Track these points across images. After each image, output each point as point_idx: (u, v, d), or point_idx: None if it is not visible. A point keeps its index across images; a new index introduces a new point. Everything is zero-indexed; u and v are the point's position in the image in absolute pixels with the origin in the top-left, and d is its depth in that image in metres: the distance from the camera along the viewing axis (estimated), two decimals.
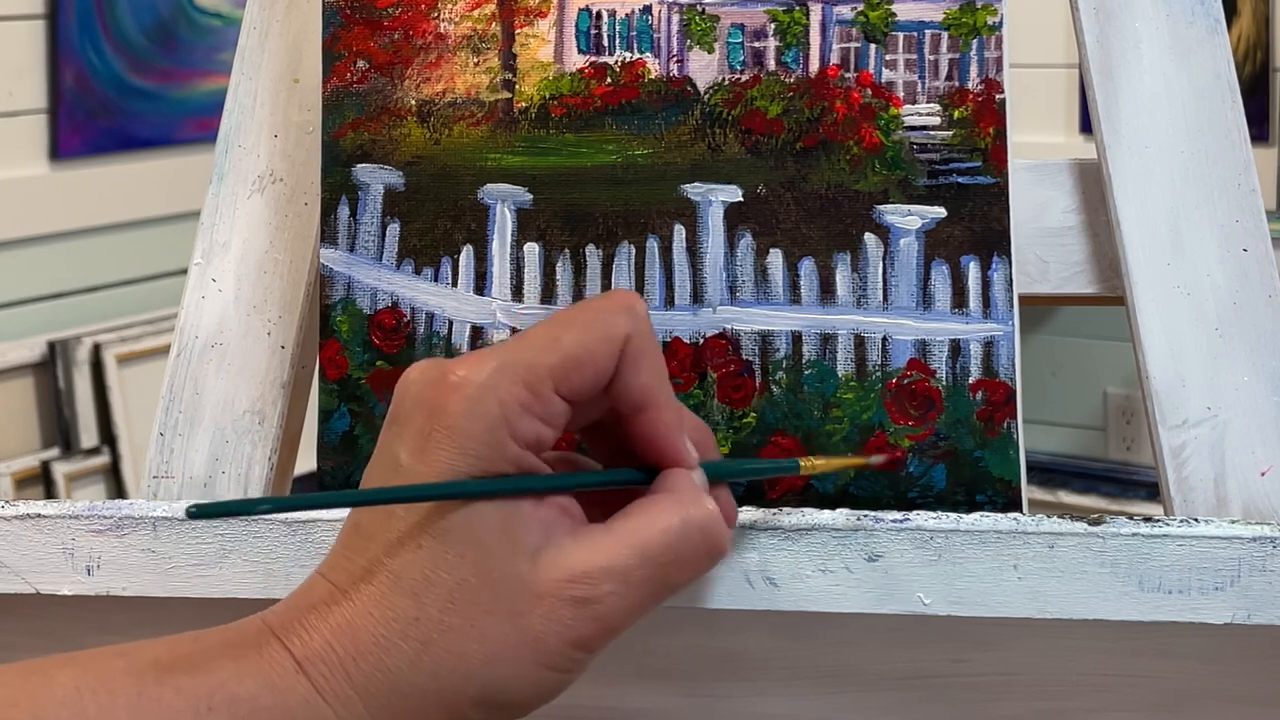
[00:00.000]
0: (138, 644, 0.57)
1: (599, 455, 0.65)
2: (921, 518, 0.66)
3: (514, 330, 0.74)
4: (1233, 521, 0.65)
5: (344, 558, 0.58)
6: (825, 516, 0.66)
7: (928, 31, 0.73)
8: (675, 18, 0.75)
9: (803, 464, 0.67)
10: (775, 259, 0.72)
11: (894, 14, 0.73)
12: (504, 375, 0.57)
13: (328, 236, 0.75)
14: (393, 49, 0.76)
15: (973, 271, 0.71)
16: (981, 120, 0.72)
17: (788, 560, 0.66)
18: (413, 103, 0.75)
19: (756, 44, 0.74)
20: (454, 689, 0.56)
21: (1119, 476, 3.11)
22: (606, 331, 0.59)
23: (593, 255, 0.73)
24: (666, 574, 0.59)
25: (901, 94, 0.72)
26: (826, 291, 0.72)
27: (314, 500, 0.61)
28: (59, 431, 2.71)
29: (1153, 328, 0.72)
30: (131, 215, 2.82)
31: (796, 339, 0.72)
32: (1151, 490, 2.92)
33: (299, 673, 0.55)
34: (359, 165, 0.75)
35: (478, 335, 0.74)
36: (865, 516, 0.66)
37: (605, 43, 0.75)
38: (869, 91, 0.73)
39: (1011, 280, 0.71)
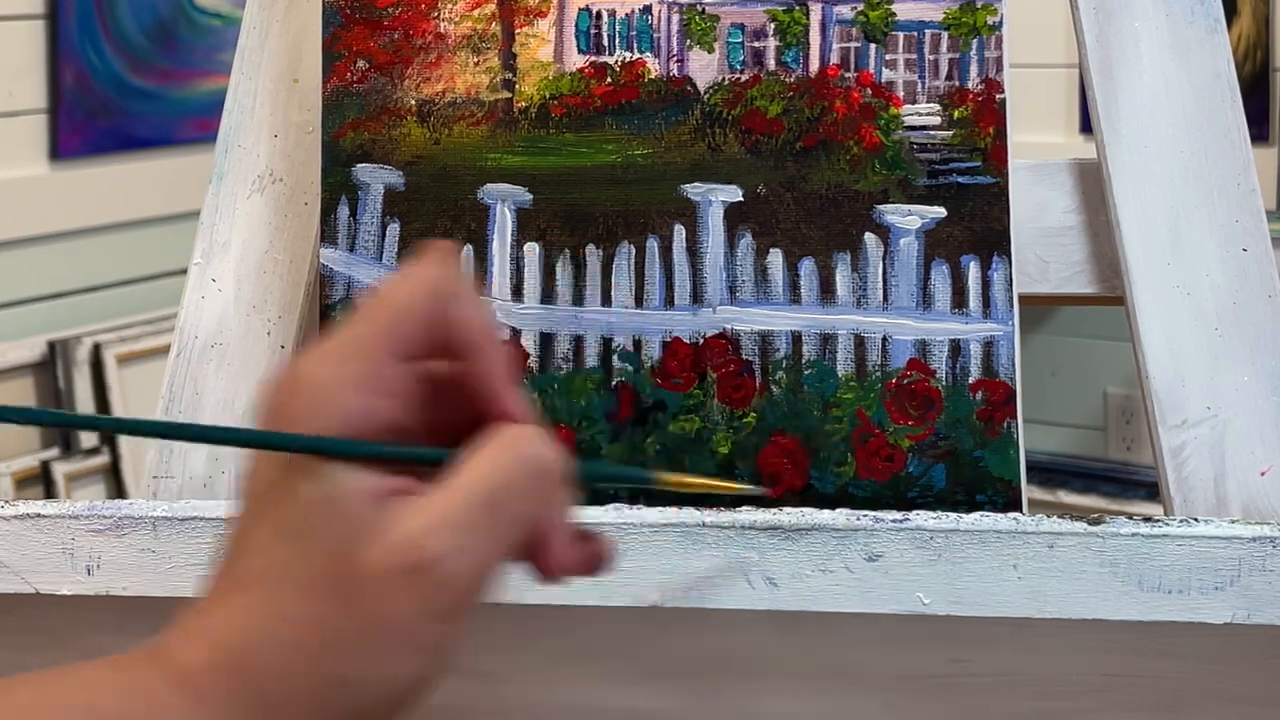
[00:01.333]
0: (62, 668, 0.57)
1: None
2: (921, 518, 0.65)
3: (514, 330, 0.74)
4: (1232, 521, 0.65)
5: (219, 570, 0.58)
6: (825, 516, 0.66)
7: (928, 31, 0.73)
8: (675, 17, 0.74)
9: (661, 478, 0.66)
10: (775, 259, 0.72)
11: (894, 14, 0.73)
12: (335, 359, 0.58)
13: (328, 236, 0.75)
14: (393, 49, 0.76)
15: (973, 271, 0.71)
16: (981, 120, 0.72)
17: (788, 560, 0.66)
18: (413, 103, 0.75)
19: (756, 44, 0.74)
20: (320, 689, 0.55)
21: (1119, 476, 3.10)
22: (419, 278, 0.59)
23: (593, 255, 0.73)
24: (504, 510, 0.56)
25: (901, 94, 0.72)
26: (826, 291, 0.72)
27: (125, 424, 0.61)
28: (59, 431, 2.71)
29: (1153, 328, 0.71)
30: (131, 215, 2.82)
31: (796, 339, 0.72)
32: (1151, 490, 2.92)
33: (172, 684, 0.55)
34: (359, 165, 0.75)
35: None
36: (865, 516, 0.66)
37: (605, 42, 0.75)
38: (869, 91, 0.73)
39: (1011, 280, 0.71)
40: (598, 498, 0.71)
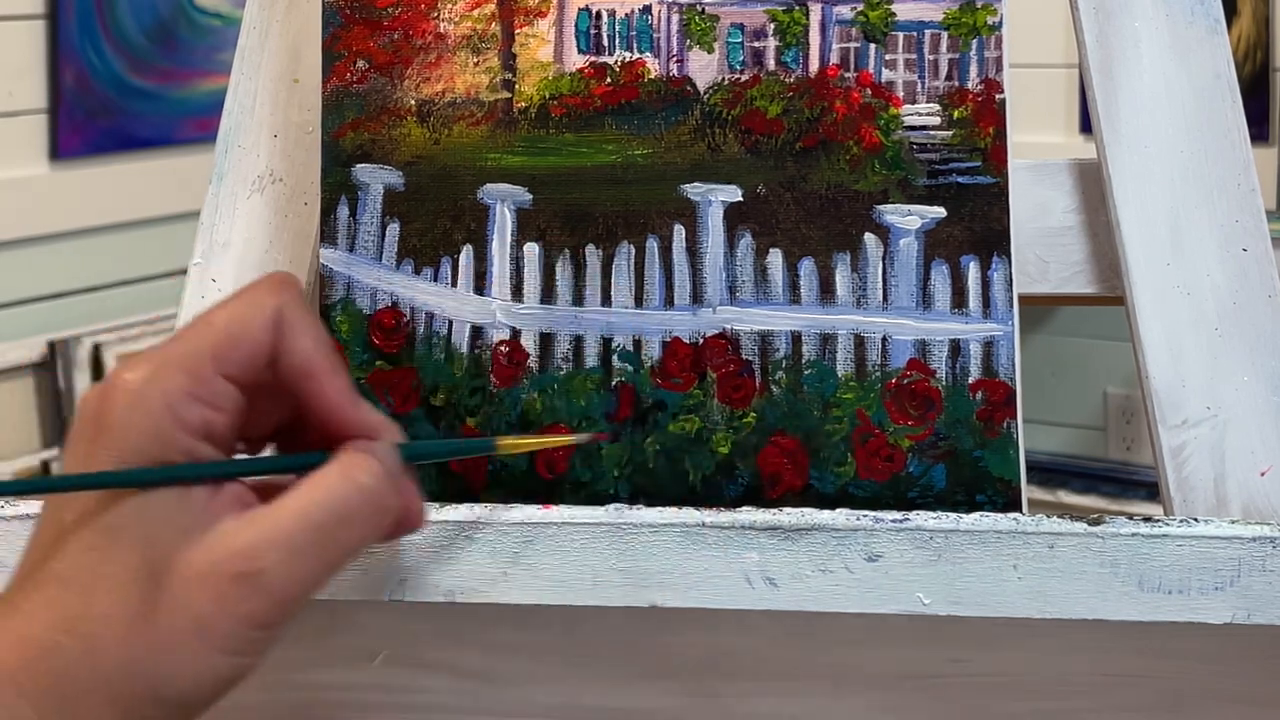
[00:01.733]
0: None
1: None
2: (921, 518, 0.65)
3: (514, 330, 0.74)
4: (1232, 521, 0.65)
5: (19, 573, 0.58)
6: (825, 516, 0.66)
7: (927, 31, 0.73)
8: (675, 17, 0.75)
9: (499, 443, 0.68)
10: (775, 259, 0.72)
11: (894, 14, 0.73)
12: (162, 368, 0.58)
13: (327, 236, 0.75)
14: (393, 49, 0.76)
15: (972, 271, 0.71)
16: (981, 120, 0.72)
17: (788, 560, 0.66)
18: (412, 103, 0.75)
19: (756, 44, 0.74)
20: (123, 685, 0.56)
21: (1119, 476, 3.10)
22: (255, 303, 0.60)
23: (592, 255, 0.73)
24: (334, 536, 0.58)
25: (901, 94, 0.72)
26: (826, 291, 0.72)
27: None
28: (59, 431, 2.71)
29: (1153, 328, 0.72)
30: (131, 215, 2.82)
31: (796, 339, 0.72)
32: (1151, 490, 2.92)
33: None
34: (359, 165, 0.75)
35: (477, 335, 0.74)
36: (865, 516, 0.66)
37: (605, 43, 0.75)
38: (869, 91, 0.73)
39: (1011, 280, 0.71)
40: (597, 498, 0.71)
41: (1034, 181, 0.75)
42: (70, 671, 0.55)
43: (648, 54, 0.74)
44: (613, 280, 0.73)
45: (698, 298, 0.72)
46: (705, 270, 0.72)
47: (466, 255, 0.74)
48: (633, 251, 0.73)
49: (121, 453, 0.57)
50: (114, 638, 0.56)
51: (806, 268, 0.72)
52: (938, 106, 0.72)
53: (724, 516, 0.66)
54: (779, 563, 0.66)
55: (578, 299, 0.73)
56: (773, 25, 0.74)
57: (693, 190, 0.73)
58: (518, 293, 0.74)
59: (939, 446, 0.70)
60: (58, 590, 0.56)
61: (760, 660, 0.70)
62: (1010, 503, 0.69)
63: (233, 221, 0.79)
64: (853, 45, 0.73)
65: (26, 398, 2.70)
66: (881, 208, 0.72)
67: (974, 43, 0.72)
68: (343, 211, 0.75)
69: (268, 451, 0.65)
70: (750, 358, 0.72)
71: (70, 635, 0.56)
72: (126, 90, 2.77)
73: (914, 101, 0.72)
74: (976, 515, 0.66)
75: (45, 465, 2.67)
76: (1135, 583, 0.64)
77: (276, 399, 0.62)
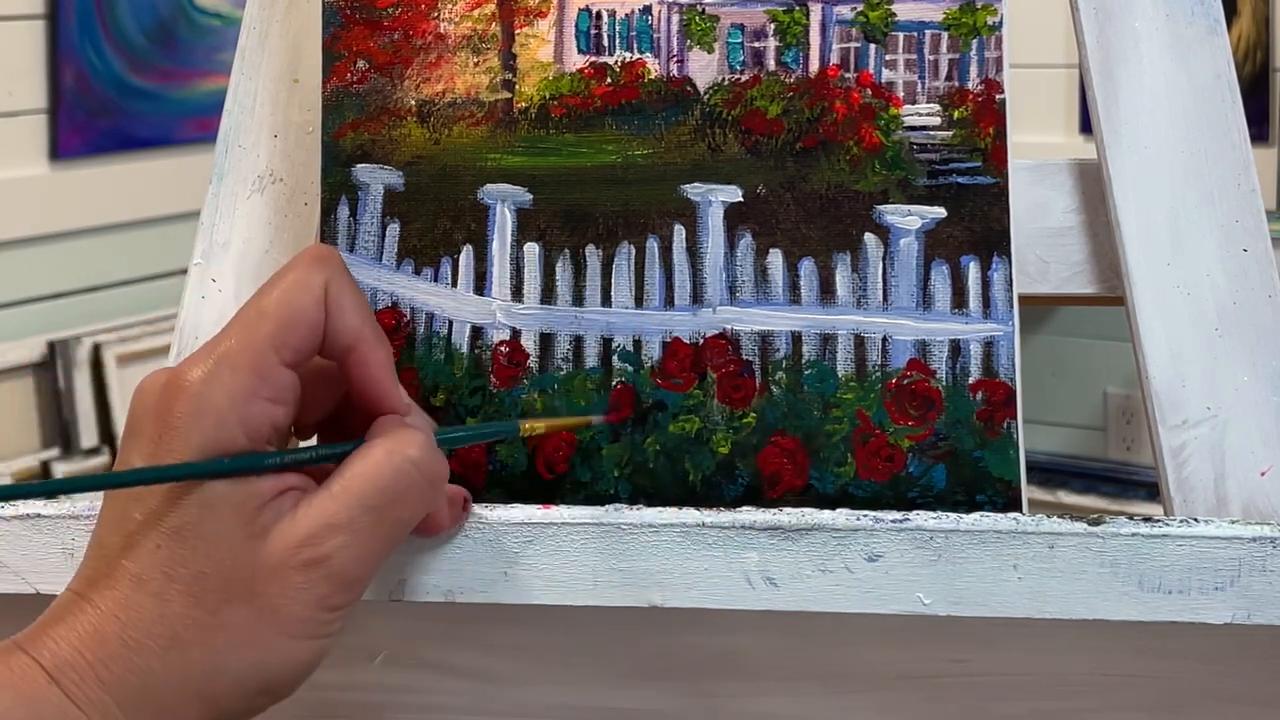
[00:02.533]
0: None
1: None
2: (921, 518, 0.66)
3: (514, 330, 0.74)
4: (1233, 521, 0.65)
5: (88, 569, 0.60)
6: (825, 516, 0.66)
7: (928, 31, 0.73)
8: (675, 18, 0.75)
9: (523, 425, 0.69)
10: (775, 259, 0.72)
11: (894, 14, 0.73)
12: (225, 366, 0.59)
13: (327, 236, 0.75)
14: (393, 49, 0.76)
15: (973, 272, 0.71)
16: (981, 120, 0.72)
17: (788, 560, 0.66)
18: (413, 103, 0.75)
19: (756, 44, 0.74)
20: (207, 680, 0.58)
21: (1119, 476, 3.10)
22: (305, 284, 0.61)
23: (592, 255, 0.73)
24: (391, 513, 0.61)
25: (901, 94, 0.72)
26: (826, 292, 0.72)
27: (40, 488, 0.62)
28: (59, 431, 2.71)
29: (1153, 328, 0.72)
30: (131, 215, 2.82)
31: (796, 339, 0.72)
32: (1151, 490, 2.92)
33: (50, 682, 0.56)
34: (359, 165, 0.75)
35: (478, 335, 0.74)
36: (865, 516, 0.66)
37: (605, 43, 0.75)
38: (869, 91, 0.73)
39: (1011, 280, 0.71)
40: (597, 498, 0.71)
41: (1034, 181, 0.75)
42: (154, 669, 0.57)
43: (648, 54, 0.74)
44: (613, 280, 0.73)
45: (698, 298, 0.72)
46: (705, 270, 0.72)
47: (466, 255, 0.74)
48: (633, 252, 0.73)
49: (185, 455, 0.58)
50: (194, 636, 0.57)
51: (806, 268, 0.72)
52: (938, 107, 0.72)
53: (724, 516, 0.66)
54: (779, 563, 0.66)
55: (578, 299, 0.73)
56: (773, 25, 0.74)
57: (693, 190, 0.73)
58: (518, 293, 0.74)
59: (939, 447, 0.70)
60: (133, 590, 0.58)
61: (760, 660, 0.70)
62: (1010, 503, 0.69)
63: (233, 221, 0.79)
64: (853, 45, 0.73)
65: (26, 398, 2.70)
66: (881, 208, 0.72)
67: (974, 43, 0.72)
68: (343, 211, 0.75)
69: (313, 440, 0.66)
70: (750, 358, 0.72)
71: (151, 636, 0.57)
72: (126, 90, 2.77)
73: (914, 102, 0.72)
74: (976, 515, 0.66)
75: (45, 465, 2.67)
76: (1135, 583, 0.64)
77: (327, 385, 0.63)
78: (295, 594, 0.58)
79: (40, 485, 0.62)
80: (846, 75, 0.73)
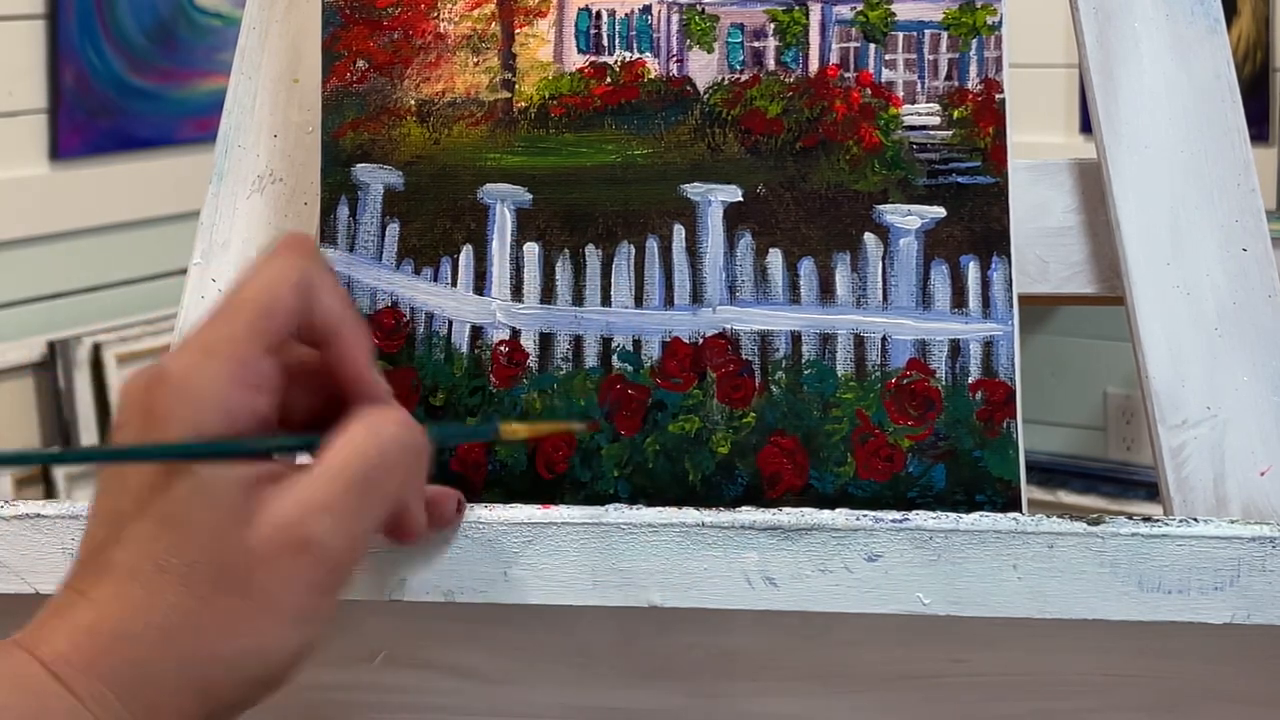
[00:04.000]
0: None
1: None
2: (921, 518, 0.65)
3: (514, 330, 0.74)
4: (1232, 521, 0.65)
5: (81, 564, 0.60)
6: (825, 516, 0.66)
7: (927, 31, 0.73)
8: (675, 17, 0.75)
9: (503, 428, 0.68)
10: (775, 259, 0.72)
11: (894, 14, 0.73)
12: (205, 355, 0.59)
13: (327, 236, 0.75)
14: (392, 49, 0.76)
15: (972, 271, 0.71)
16: (981, 120, 0.72)
17: (788, 560, 0.66)
18: (412, 102, 0.75)
19: (756, 44, 0.74)
20: (202, 670, 0.58)
21: (1119, 476, 3.10)
22: (280, 269, 0.61)
23: (592, 255, 0.73)
24: (376, 487, 0.60)
25: (901, 94, 0.72)
26: (826, 291, 0.72)
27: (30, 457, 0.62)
28: (59, 431, 2.71)
29: (1153, 328, 0.72)
30: (131, 215, 2.82)
31: (796, 339, 0.72)
32: (1151, 490, 2.92)
33: (50, 676, 0.57)
34: (359, 165, 0.75)
35: (477, 335, 0.74)
36: (865, 516, 0.66)
37: (605, 42, 0.75)
38: (869, 91, 0.73)
39: (1011, 280, 0.71)
40: (597, 498, 0.71)
41: (1034, 181, 0.75)
42: (149, 659, 0.57)
43: (648, 54, 0.74)
44: (612, 280, 0.73)
45: (697, 298, 0.72)
46: (705, 270, 0.72)
47: (466, 255, 0.74)
48: (633, 251, 0.73)
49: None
50: (187, 625, 0.57)
51: (806, 268, 0.72)
52: (938, 106, 0.72)
53: (724, 516, 0.66)
54: (779, 563, 0.66)
55: (577, 299, 0.73)
56: (773, 25, 0.74)
57: (693, 190, 0.73)
58: (517, 293, 0.74)
59: (939, 446, 0.70)
60: (126, 581, 0.58)
61: (760, 660, 0.70)
62: (1010, 503, 0.69)
63: (232, 221, 0.79)
64: (853, 45, 0.73)
65: (26, 398, 2.70)
66: (881, 207, 0.72)
67: (974, 43, 0.72)
68: (343, 211, 0.75)
69: None
70: (750, 358, 0.72)
71: (146, 626, 0.57)
72: (126, 90, 2.77)
73: (914, 101, 0.72)
74: (976, 515, 0.66)
75: (45, 466, 2.67)
76: (1135, 583, 0.64)
77: (311, 382, 0.62)
78: (284, 579, 0.58)
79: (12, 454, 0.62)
80: (846, 75, 0.73)
